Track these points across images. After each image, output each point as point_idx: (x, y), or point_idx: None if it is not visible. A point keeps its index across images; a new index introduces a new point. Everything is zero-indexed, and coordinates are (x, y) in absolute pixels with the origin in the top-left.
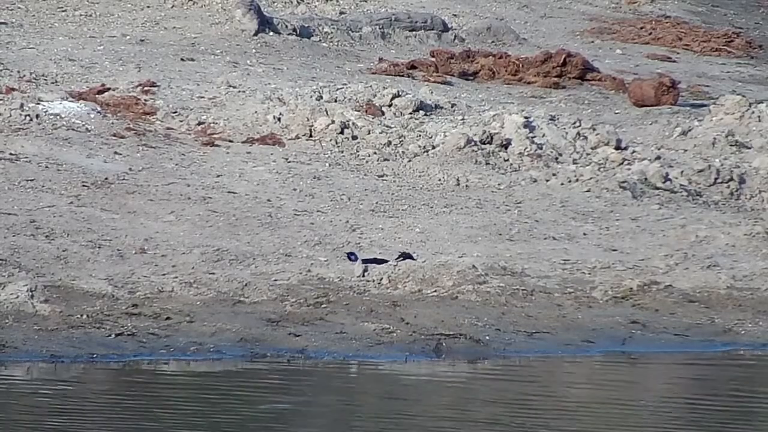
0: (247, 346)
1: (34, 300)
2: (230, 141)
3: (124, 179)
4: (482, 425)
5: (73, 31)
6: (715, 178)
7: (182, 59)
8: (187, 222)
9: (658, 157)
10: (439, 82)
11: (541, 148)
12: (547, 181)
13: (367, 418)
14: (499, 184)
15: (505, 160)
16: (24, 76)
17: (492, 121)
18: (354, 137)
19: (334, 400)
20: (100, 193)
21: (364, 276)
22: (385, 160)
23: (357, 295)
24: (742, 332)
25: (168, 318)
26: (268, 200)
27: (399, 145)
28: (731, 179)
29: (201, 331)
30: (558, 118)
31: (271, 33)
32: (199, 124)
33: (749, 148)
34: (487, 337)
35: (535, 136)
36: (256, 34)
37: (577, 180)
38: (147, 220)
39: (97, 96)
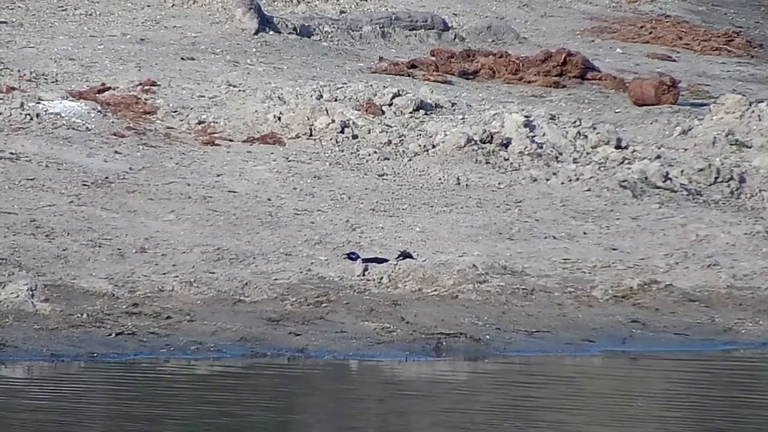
0: (247, 345)
1: (34, 299)
2: (230, 140)
3: (124, 178)
4: (481, 425)
5: (74, 30)
6: (716, 177)
7: (182, 58)
8: (188, 221)
9: (659, 156)
10: (439, 81)
11: (542, 147)
12: (548, 180)
13: (367, 417)
14: (499, 184)
15: (506, 159)
16: (24, 75)
17: (492, 120)
18: (354, 136)
19: (334, 399)
20: (101, 192)
21: (364, 275)
22: (385, 159)
23: (357, 295)
24: (743, 331)
25: (168, 317)
26: (269, 199)
27: (399, 144)
28: (731, 178)
29: (201, 330)
30: (558, 117)
31: (272, 32)
32: (200, 123)
33: (749, 147)
34: (488, 336)
35: (535, 135)
36: (256, 33)
37: (577, 179)
38: (147, 219)
39: (97, 95)
